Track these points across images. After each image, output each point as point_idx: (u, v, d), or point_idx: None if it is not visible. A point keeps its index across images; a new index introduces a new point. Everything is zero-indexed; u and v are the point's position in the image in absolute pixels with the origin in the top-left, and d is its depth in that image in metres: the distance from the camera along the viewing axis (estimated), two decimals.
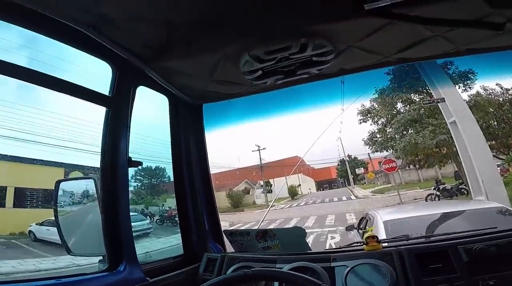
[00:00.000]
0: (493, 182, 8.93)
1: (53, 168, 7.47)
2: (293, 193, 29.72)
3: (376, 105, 16.93)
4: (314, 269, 1.71)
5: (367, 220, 5.27)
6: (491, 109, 14.39)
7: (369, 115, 17.06)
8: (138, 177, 18.77)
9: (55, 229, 1.73)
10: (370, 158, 27.37)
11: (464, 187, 13.08)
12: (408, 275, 1.56)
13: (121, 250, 1.68)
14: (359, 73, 2.08)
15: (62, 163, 7.64)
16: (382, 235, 3.70)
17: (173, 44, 1.64)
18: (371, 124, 17.18)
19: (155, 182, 19.49)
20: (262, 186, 29.02)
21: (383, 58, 1.90)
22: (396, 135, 15.90)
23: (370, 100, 16.70)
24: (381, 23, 1.51)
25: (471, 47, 1.82)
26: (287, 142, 55.96)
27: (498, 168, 11.90)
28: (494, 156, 12.10)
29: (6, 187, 6.89)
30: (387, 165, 17.53)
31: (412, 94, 15.51)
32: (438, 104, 10.95)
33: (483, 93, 14.55)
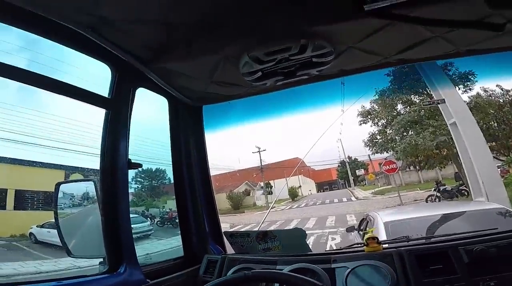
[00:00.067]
0: (493, 183, 8.94)
1: (53, 170, 7.47)
2: (293, 194, 29.73)
3: (376, 107, 16.97)
4: (315, 271, 1.71)
5: (368, 221, 5.27)
6: (491, 110, 14.40)
7: (369, 116, 17.10)
8: (139, 179, 18.81)
9: (55, 231, 1.72)
10: (370, 159, 27.43)
11: (464, 188, 13.11)
12: (408, 276, 1.56)
13: (121, 252, 1.67)
14: (359, 75, 2.07)
15: (62, 165, 7.63)
16: (382, 236, 3.70)
17: (172, 45, 1.64)
18: (371, 126, 17.25)
19: (155, 184, 19.53)
20: (262, 187, 29.04)
21: (383, 59, 1.89)
22: (397, 137, 15.93)
23: (370, 102, 16.77)
24: (381, 24, 1.51)
25: (471, 48, 1.82)
26: (287, 143, 56.04)
27: (498, 169, 11.92)
28: (494, 157, 12.10)
29: (7, 189, 6.90)
30: (387, 166, 17.59)
31: (412, 95, 15.54)
32: (438, 105, 10.98)
33: (483, 95, 14.59)
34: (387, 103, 16.33)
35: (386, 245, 1.89)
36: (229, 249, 2.32)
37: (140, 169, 1.86)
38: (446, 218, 3.97)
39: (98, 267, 1.69)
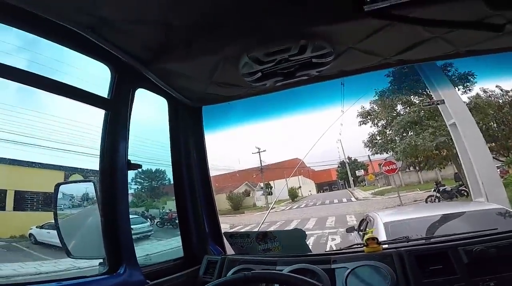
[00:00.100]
0: (493, 184, 8.94)
1: (53, 171, 7.47)
2: (293, 195, 29.71)
3: (376, 107, 17.01)
4: (315, 271, 1.71)
5: (368, 222, 5.27)
6: (491, 111, 14.41)
7: (369, 117, 17.13)
8: (138, 180, 18.83)
9: (55, 232, 1.72)
10: (370, 159, 27.43)
11: (464, 188, 13.10)
12: (408, 277, 1.56)
13: (121, 253, 1.67)
14: (359, 75, 2.07)
15: (61, 166, 7.64)
16: (382, 237, 3.70)
17: (172, 46, 1.64)
18: (371, 126, 17.29)
19: (155, 185, 19.53)
20: (262, 188, 29.04)
21: (383, 60, 1.89)
22: (396, 138, 15.95)
23: (370, 102, 16.81)
24: (380, 24, 1.51)
25: (471, 48, 1.82)
26: (287, 144, 55.96)
27: (498, 170, 11.93)
28: (494, 157, 12.10)
29: (6, 190, 6.90)
30: (387, 166, 17.60)
31: (412, 96, 15.56)
32: (438, 106, 10.98)
33: (483, 95, 14.61)
34: (386, 104, 16.36)
35: (386, 246, 1.89)
36: (229, 250, 2.32)
37: (139, 169, 1.85)
38: (445, 218, 3.97)
39: (97, 268, 1.69)
